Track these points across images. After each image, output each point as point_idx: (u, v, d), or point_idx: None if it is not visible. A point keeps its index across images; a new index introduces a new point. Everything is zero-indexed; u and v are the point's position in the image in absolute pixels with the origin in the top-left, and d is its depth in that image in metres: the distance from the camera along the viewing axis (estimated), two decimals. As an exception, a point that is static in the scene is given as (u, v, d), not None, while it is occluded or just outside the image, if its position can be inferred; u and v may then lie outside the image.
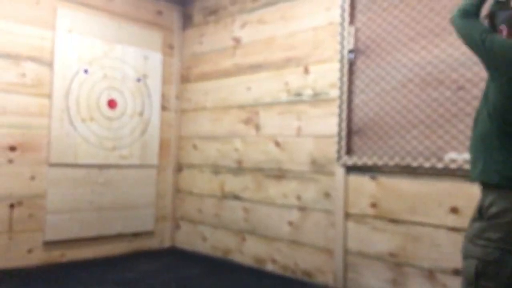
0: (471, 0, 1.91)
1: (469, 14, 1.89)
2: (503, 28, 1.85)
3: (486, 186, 1.78)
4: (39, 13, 3.45)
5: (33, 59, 3.41)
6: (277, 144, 3.49)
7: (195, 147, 4.19)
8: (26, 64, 3.38)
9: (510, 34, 1.84)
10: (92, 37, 3.73)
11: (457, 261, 2.51)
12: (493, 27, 1.88)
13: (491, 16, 1.91)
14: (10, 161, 3.30)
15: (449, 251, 2.54)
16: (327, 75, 3.19)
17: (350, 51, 3.03)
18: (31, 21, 3.41)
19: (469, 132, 2.48)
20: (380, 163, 2.83)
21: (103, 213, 3.78)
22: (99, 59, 3.77)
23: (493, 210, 1.72)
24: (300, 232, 3.31)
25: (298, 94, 3.37)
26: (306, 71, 3.33)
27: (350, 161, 2.98)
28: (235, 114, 3.83)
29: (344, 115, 3.03)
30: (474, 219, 1.81)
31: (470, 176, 1.87)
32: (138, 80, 4.03)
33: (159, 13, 4.23)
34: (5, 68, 3.28)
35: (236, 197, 3.77)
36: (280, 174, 3.46)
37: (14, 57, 3.33)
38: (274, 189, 3.49)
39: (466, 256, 1.78)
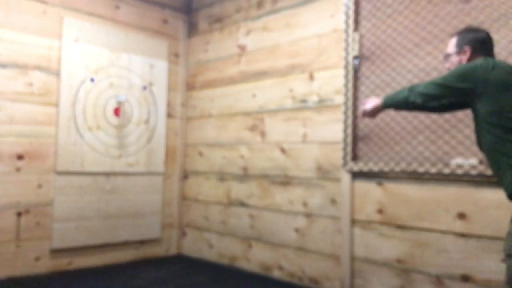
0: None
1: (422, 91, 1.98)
2: (467, 49, 1.99)
3: None
4: (46, 23, 3.49)
5: (40, 68, 3.45)
6: (283, 150, 3.50)
7: (200, 154, 4.20)
8: (34, 74, 3.41)
9: (473, 55, 1.98)
10: (99, 46, 3.77)
11: (465, 267, 2.50)
12: (459, 46, 2.01)
13: (459, 34, 2.05)
14: (18, 169, 3.32)
15: (457, 257, 2.53)
16: (332, 81, 3.20)
17: (355, 58, 3.04)
18: (38, 31, 3.45)
19: (474, 137, 2.47)
20: (386, 169, 2.82)
21: (110, 221, 3.80)
22: (105, 68, 3.80)
23: None
24: (306, 238, 3.30)
25: (303, 101, 3.37)
26: (311, 77, 3.34)
27: (356, 167, 2.98)
28: (241, 121, 3.84)
29: (350, 121, 3.03)
30: None
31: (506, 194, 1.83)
32: (144, 88, 4.06)
33: (165, 21, 4.27)
34: (13, 77, 3.32)
35: (242, 204, 3.77)
36: (286, 181, 3.46)
37: (22, 67, 3.36)
38: (280, 196, 3.49)
39: (509, 254, 1.76)
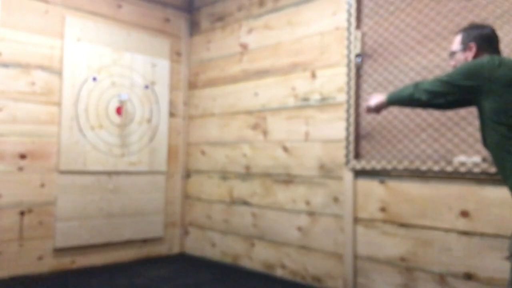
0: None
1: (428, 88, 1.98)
2: (473, 46, 1.97)
3: None
4: (48, 22, 3.49)
5: (42, 67, 3.45)
6: (285, 149, 3.49)
7: (203, 153, 4.20)
8: (36, 73, 3.42)
9: (479, 52, 1.96)
10: (101, 45, 3.77)
11: (468, 265, 2.49)
12: (464, 43, 1.99)
13: (464, 31, 2.03)
14: (21, 168, 3.33)
15: (460, 255, 2.52)
16: (335, 79, 3.19)
17: (357, 56, 3.03)
18: (40, 31, 3.45)
19: (478, 135, 2.46)
20: (389, 167, 2.81)
21: (113, 220, 3.80)
22: (107, 67, 3.80)
23: None
24: (309, 237, 3.30)
25: (306, 99, 3.37)
26: (313, 76, 3.33)
27: (359, 165, 2.97)
28: (243, 119, 3.84)
29: (352, 119, 3.03)
30: None
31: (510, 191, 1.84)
32: (146, 87, 4.06)
33: (167, 20, 4.27)
34: (15, 77, 3.32)
35: (245, 203, 3.77)
36: (288, 179, 3.46)
37: (24, 66, 3.37)
38: (283, 194, 3.49)
39: None
